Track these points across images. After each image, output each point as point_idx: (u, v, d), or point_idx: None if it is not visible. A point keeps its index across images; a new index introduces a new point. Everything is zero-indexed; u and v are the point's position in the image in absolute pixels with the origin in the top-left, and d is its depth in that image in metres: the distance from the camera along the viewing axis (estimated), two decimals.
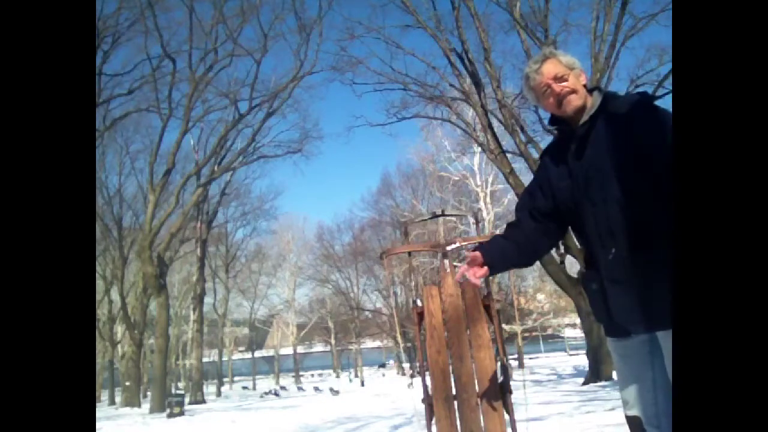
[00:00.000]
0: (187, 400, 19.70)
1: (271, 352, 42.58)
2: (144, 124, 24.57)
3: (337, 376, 40.69)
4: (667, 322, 1.47)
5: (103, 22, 17.08)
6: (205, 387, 26.34)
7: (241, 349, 46.83)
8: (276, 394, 25.64)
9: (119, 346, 29.41)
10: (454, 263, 3.88)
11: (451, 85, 14.58)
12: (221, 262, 33.23)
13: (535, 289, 32.51)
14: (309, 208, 72.85)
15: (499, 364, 3.12)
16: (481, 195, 24.37)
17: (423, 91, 15.13)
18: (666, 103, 1.74)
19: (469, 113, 16.54)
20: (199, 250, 24.76)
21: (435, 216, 4.48)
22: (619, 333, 1.80)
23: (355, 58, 16.09)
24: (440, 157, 26.01)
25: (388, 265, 12.12)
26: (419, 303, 3.39)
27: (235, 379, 45.36)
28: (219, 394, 31.98)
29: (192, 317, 26.78)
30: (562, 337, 40.30)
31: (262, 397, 25.30)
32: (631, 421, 1.84)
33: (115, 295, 26.73)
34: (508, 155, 14.25)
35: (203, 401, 22.67)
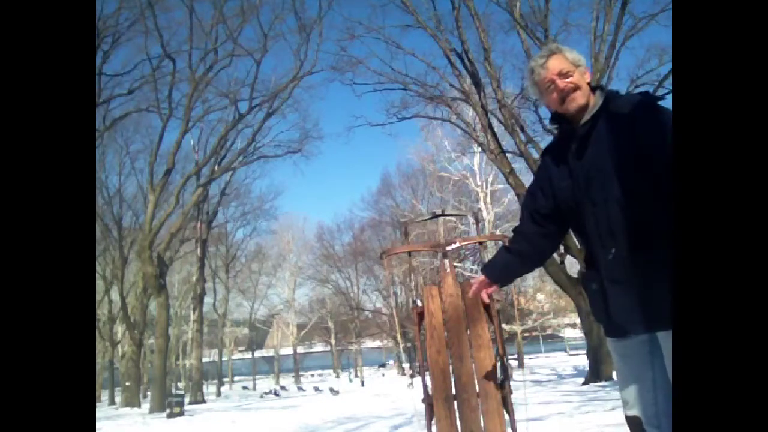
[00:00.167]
0: (187, 400, 19.69)
1: (271, 352, 42.58)
2: (144, 124, 24.61)
3: (337, 376, 40.68)
4: (667, 322, 1.46)
5: (103, 22, 17.06)
6: (205, 387, 26.32)
7: (241, 349, 46.83)
8: (276, 394, 25.62)
9: (119, 346, 29.40)
10: (455, 263, 3.88)
11: (451, 85, 14.58)
12: (221, 262, 33.23)
13: (535, 289, 32.52)
14: (309, 208, 72.98)
15: (499, 364, 3.12)
16: (481, 195, 24.35)
17: (423, 91, 15.13)
18: (666, 103, 1.74)
19: (469, 113, 16.54)
20: (199, 250, 24.75)
21: (435, 216, 4.47)
22: (618, 333, 1.79)
23: (355, 58, 16.11)
24: (440, 157, 26.04)
25: (388, 265, 12.12)
26: (419, 303, 3.39)
27: (235, 379, 45.34)
28: (219, 394, 31.96)
29: (192, 317, 26.77)
30: (562, 337, 40.33)
31: (262, 397, 25.27)
32: (631, 421, 1.84)
33: (115, 295, 26.72)
34: (508, 155, 14.24)
35: (203, 401, 22.66)
